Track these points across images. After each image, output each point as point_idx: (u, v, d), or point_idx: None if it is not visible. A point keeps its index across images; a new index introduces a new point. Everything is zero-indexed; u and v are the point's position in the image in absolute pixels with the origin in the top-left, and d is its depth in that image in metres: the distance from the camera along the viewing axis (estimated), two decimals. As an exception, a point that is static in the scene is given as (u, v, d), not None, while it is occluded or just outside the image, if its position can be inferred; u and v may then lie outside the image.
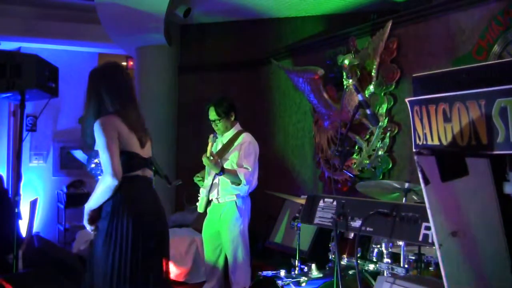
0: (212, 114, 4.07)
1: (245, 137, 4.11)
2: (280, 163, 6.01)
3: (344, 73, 4.79)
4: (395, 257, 2.71)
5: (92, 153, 2.80)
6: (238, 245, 4.01)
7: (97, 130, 2.67)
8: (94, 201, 2.77)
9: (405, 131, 4.38)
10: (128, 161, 2.74)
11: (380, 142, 4.57)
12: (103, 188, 2.68)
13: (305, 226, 3.43)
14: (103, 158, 2.64)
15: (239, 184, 3.94)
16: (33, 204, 6.57)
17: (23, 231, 5.92)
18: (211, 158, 3.77)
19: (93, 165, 2.86)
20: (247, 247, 4.11)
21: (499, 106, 1.64)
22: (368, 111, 3.43)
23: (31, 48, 7.69)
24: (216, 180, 4.01)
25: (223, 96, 4.21)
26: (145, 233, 2.71)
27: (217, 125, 4.07)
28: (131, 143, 2.77)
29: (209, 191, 4.05)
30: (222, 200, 4.04)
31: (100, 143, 2.65)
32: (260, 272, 3.54)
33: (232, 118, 4.13)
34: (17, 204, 4.11)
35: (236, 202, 4.03)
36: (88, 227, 2.80)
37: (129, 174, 2.75)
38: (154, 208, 2.84)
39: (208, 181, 4.06)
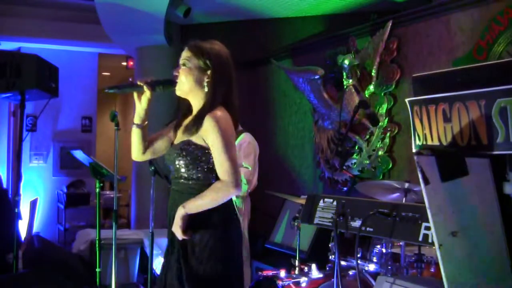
0: None
1: (245, 137, 4.11)
2: (280, 163, 6.00)
3: (344, 73, 4.79)
4: (395, 257, 2.71)
5: None
6: None
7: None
8: (199, 206, 2.25)
9: (405, 131, 4.37)
10: None
11: (380, 142, 4.56)
12: (223, 195, 2.24)
13: (305, 226, 3.43)
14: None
15: None
16: (33, 204, 6.58)
17: (23, 231, 5.92)
18: None
19: None
20: (247, 247, 4.11)
21: (499, 106, 1.64)
22: (368, 111, 3.44)
23: (31, 48, 7.69)
24: None
25: None
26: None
27: None
28: None
29: None
30: None
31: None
32: (260, 272, 3.54)
33: None
34: (17, 204, 4.11)
35: (235, 202, 4.03)
36: (180, 235, 2.23)
37: None
38: None
39: None
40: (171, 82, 2.35)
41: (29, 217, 6.33)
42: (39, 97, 4.59)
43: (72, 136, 8.76)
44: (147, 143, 2.45)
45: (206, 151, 2.25)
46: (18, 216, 4.18)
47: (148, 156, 2.49)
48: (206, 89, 2.31)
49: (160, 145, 2.48)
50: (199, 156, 2.26)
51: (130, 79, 2.59)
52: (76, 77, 8.52)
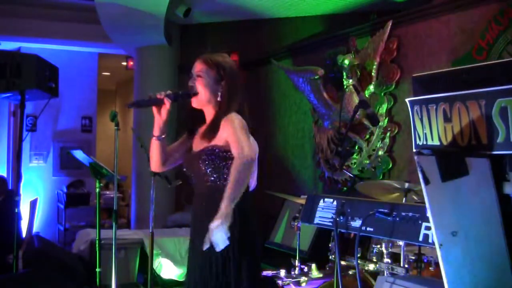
0: None
1: None
2: (280, 163, 6.00)
3: (344, 73, 4.79)
4: (395, 257, 2.70)
5: None
6: None
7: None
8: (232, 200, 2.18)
9: (405, 131, 4.38)
10: None
11: (380, 142, 4.57)
12: (243, 169, 2.21)
13: (305, 226, 3.43)
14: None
15: None
16: (33, 204, 6.57)
17: (23, 231, 5.92)
18: None
19: None
20: None
21: (499, 106, 1.64)
22: (368, 111, 3.43)
23: (31, 48, 7.68)
24: None
25: None
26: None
27: None
28: None
29: None
30: None
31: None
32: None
33: None
34: (17, 204, 4.11)
35: None
36: (226, 232, 2.12)
37: None
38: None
39: None
40: (189, 94, 2.41)
41: (29, 217, 6.33)
42: (39, 97, 4.59)
43: (72, 136, 8.76)
44: (166, 154, 2.50)
45: (230, 152, 2.32)
46: (19, 217, 4.18)
47: (167, 167, 2.54)
48: (219, 99, 2.39)
49: (178, 155, 2.53)
50: (225, 157, 2.33)
51: (150, 94, 2.54)
52: (76, 77, 8.51)
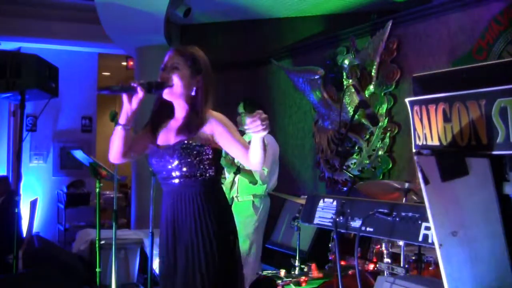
0: (241, 107, 4.15)
1: (265, 137, 4.13)
2: (280, 163, 6.00)
3: (344, 73, 4.79)
4: (395, 257, 2.71)
5: None
6: (252, 242, 4.05)
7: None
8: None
9: (405, 131, 4.38)
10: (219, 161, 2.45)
11: (380, 142, 4.56)
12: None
13: (305, 226, 3.43)
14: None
15: (255, 183, 3.99)
16: (33, 204, 6.57)
17: (23, 231, 5.92)
18: (227, 157, 3.79)
19: None
20: (260, 245, 4.15)
21: (499, 106, 1.64)
22: (368, 111, 3.44)
23: (31, 48, 7.68)
24: (236, 179, 4.06)
25: (252, 97, 4.32)
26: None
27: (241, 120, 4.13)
28: None
29: (230, 188, 4.08)
30: (241, 199, 4.09)
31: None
32: (260, 272, 3.54)
33: None
34: (17, 204, 4.11)
35: (253, 201, 4.09)
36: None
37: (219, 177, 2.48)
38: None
39: (229, 178, 4.10)
40: (163, 85, 2.34)
41: (29, 217, 6.33)
42: (39, 97, 4.59)
43: (72, 136, 8.75)
44: (128, 146, 2.40)
45: (206, 147, 2.34)
46: (19, 216, 4.18)
47: (126, 159, 2.44)
48: (193, 93, 2.37)
49: (139, 148, 2.46)
50: (202, 153, 2.33)
51: (122, 82, 2.44)
52: (76, 77, 8.51)
